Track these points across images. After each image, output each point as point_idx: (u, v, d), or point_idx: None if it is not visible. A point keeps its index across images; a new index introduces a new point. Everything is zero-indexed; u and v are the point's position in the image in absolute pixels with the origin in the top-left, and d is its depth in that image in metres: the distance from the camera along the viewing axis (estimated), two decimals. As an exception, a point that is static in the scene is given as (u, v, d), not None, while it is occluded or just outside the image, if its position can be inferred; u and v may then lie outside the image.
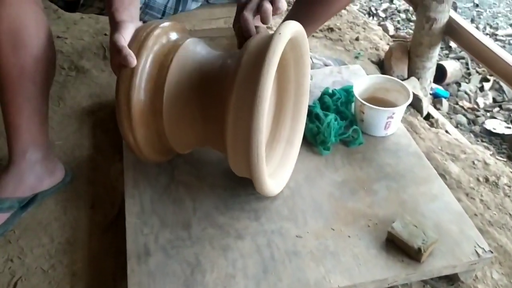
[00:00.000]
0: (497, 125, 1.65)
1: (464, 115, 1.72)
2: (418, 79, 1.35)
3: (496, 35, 2.30)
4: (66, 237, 0.85)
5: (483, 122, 1.68)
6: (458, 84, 1.90)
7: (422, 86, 1.33)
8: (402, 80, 1.34)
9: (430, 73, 1.35)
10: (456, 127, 1.65)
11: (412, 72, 1.35)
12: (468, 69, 2.00)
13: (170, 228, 0.80)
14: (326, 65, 1.25)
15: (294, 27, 0.74)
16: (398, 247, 0.76)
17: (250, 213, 0.83)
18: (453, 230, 0.80)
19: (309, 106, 1.01)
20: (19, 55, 0.78)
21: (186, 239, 0.79)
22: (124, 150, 0.95)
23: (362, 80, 1.02)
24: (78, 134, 1.07)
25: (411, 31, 2.32)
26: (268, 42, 0.69)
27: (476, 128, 1.67)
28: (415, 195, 0.86)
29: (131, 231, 0.79)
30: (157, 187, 0.88)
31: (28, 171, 0.85)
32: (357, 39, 1.49)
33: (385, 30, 2.17)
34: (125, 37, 0.71)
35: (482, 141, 1.61)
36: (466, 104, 1.79)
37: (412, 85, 1.31)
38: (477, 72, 1.98)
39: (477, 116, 1.73)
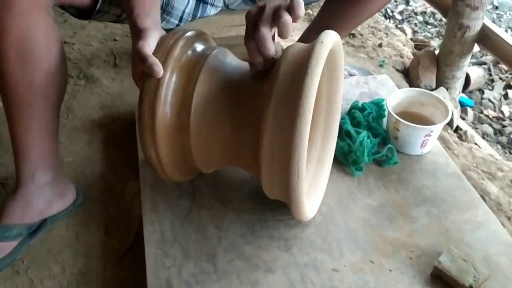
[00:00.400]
0: (525, 136, 1.59)
1: (490, 125, 1.66)
2: (447, 89, 1.28)
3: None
4: (78, 266, 0.79)
5: (510, 133, 1.62)
6: (481, 92, 1.83)
7: (452, 97, 1.26)
8: (430, 90, 1.28)
9: (460, 83, 1.29)
10: (483, 137, 1.59)
11: (441, 82, 1.29)
12: (490, 75, 1.93)
13: (194, 260, 0.74)
14: (351, 75, 1.19)
15: (334, 37, 0.69)
16: (445, 284, 0.70)
17: (279, 241, 0.77)
18: (504, 263, 0.74)
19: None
20: (28, 69, 0.71)
21: (211, 272, 0.72)
22: (140, 168, 0.89)
23: (395, 94, 0.95)
24: (88, 150, 1.01)
25: (429, 34, 2.26)
26: (309, 51, 0.63)
27: (503, 139, 1.60)
28: (459, 223, 0.80)
29: (152, 264, 0.73)
30: (178, 212, 0.81)
31: (37, 194, 0.79)
32: (380, 45, 1.43)
33: (403, 32, 2.11)
34: (150, 45, 0.66)
35: (510, 152, 1.54)
36: (491, 113, 1.72)
37: (442, 96, 1.24)
38: (500, 78, 1.91)
39: (504, 126, 1.66)
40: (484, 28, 1.19)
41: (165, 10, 0.95)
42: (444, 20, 2.42)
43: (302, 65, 0.63)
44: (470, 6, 1.14)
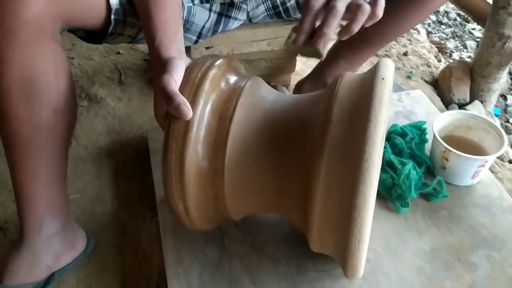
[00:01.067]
0: (556, 146, 1.51)
1: (518, 135, 1.59)
2: (482, 102, 1.20)
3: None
4: (94, 331, 0.70)
5: (540, 143, 1.55)
6: (504, 98, 1.76)
7: (487, 111, 1.18)
8: (465, 104, 1.19)
9: (496, 95, 1.20)
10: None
11: (475, 94, 1.21)
12: (512, 78, 1.86)
13: (230, 323, 0.65)
14: (381, 91, 1.10)
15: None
16: None
17: (325, 297, 0.68)
18: None
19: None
20: (34, 108, 0.62)
21: None
22: (159, 209, 0.80)
23: (441, 117, 0.87)
24: (97, 184, 0.91)
25: (444, 35, 2.18)
26: (368, 90, 0.55)
27: (533, 150, 1.53)
28: (525, 270, 0.72)
29: (182, 331, 0.64)
30: (206, 262, 0.73)
31: (44, 248, 0.70)
32: (405, 54, 1.34)
33: (426, 38, 2.02)
34: (176, 80, 0.57)
35: (541, 165, 1.47)
36: (517, 121, 1.65)
37: (477, 111, 1.16)
38: (523, 82, 1.84)
39: (532, 136, 1.60)
40: (527, 38, 1.11)
41: (184, 26, 0.85)
42: (458, 19, 2.35)
43: (361, 108, 0.53)
44: (513, 15, 1.06)
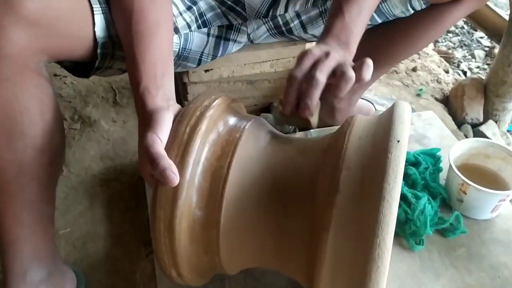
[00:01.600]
0: None
1: (532, 151, 1.54)
2: (496, 122, 1.15)
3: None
4: None
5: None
6: (515, 109, 1.71)
7: (502, 132, 1.13)
8: (478, 124, 1.15)
9: (510, 115, 1.15)
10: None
11: (489, 114, 1.16)
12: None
13: None
14: (390, 112, 1.06)
15: (409, 117, 0.53)
16: None
17: None
18: None
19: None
20: (17, 148, 0.57)
21: None
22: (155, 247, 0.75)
23: (457, 146, 0.82)
24: (89, 216, 0.86)
25: (451, 44, 2.14)
26: (382, 156, 0.47)
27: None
28: (552, 317, 0.67)
29: None
30: (205, 311, 0.67)
31: (30, 297, 0.65)
32: (414, 69, 1.29)
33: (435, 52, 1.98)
34: (161, 138, 0.51)
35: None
36: (530, 136, 1.60)
37: (492, 132, 1.12)
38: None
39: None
40: (544, 56, 1.06)
41: (181, 55, 0.80)
42: (466, 27, 2.30)
43: (373, 178, 0.47)
44: (531, 32, 1.01)
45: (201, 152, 0.53)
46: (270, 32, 0.86)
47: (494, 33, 1.13)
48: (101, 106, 1.09)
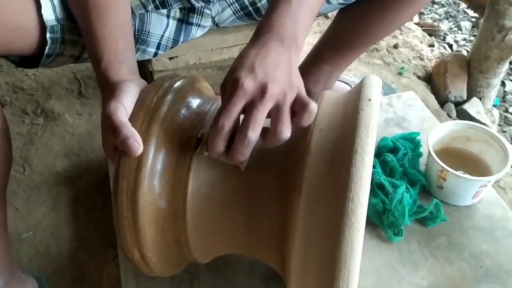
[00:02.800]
0: (559, 138, 1.44)
1: (518, 126, 1.51)
2: (480, 99, 1.12)
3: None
4: None
5: (542, 135, 1.48)
6: (502, 84, 1.68)
7: (487, 109, 1.11)
8: (462, 102, 1.12)
9: (495, 91, 1.12)
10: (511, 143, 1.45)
11: (473, 91, 1.13)
12: (510, 63, 1.78)
13: None
14: (369, 93, 1.02)
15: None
16: None
17: None
18: None
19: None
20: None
21: None
22: (120, 249, 0.72)
23: (437, 130, 0.79)
24: (53, 218, 0.83)
25: (436, 16, 2.09)
26: (353, 114, 0.47)
27: (536, 143, 1.46)
28: (535, 306, 0.65)
29: None
30: (173, 315, 0.65)
31: (-16, 311, 0.62)
32: (395, 46, 1.25)
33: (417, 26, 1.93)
34: (126, 107, 0.49)
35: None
36: (517, 111, 1.58)
37: (476, 110, 1.09)
38: (522, 66, 1.76)
39: (533, 127, 1.52)
40: (528, 29, 1.02)
41: (139, 38, 0.76)
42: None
43: (345, 136, 0.46)
44: (514, 5, 0.97)
45: (169, 122, 0.50)
46: (237, 15, 0.82)
47: (477, 5, 1.09)
48: (65, 98, 1.05)
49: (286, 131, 0.45)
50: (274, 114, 0.45)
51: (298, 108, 0.46)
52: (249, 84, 0.45)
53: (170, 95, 0.52)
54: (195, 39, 0.84)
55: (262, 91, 0.44)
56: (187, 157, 0.51)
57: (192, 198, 0.52)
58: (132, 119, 0.49)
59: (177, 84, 0.54)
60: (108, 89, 0.51)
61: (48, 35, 0.61)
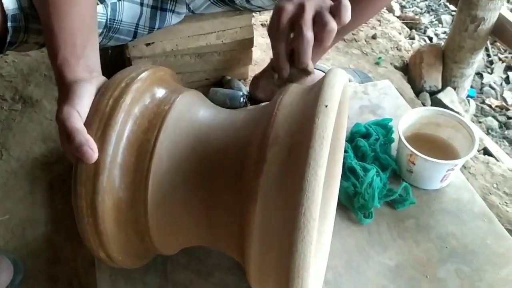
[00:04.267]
0: (533, 128, 1.47)
1: (494, 117, 1.54)
2: (454, 89, 1.14)
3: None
4: None
5: (517, 125, 1.50)
6: (480, 76, 1.71)
7: (461, 98, 1.13)
8: (437, 91, 1.13)
9: (469, 81, 1.14)
10: (487, 133, 1.48)
11: (447, 80, 1.15)
12: (489, 56, 1.81)
13: None
14: (346, 82, 1.03)
15: (341, 84, 0.51)
16: None
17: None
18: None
19: (338, 153, 0.81)
20: None
21: None
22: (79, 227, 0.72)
23: (407, 116, 0.80)
24: (29, 202, 0.83)
25: (418, 9, 2.11)
26: (309, 122, 0.46)
27: (510, 133, 1.49)
28: (496, 285, 0.67)
29: None
30: (145, 295, 0.66)
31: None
32: (374, 37, 1.27)
33: (390, 10, 1.95)
34: (80, 111, 0.48)
35: (518, 149, 1.43)
36: (494, 102, 1.60)
37: (450, 99, 1.11)
38: (499, 59, 1.79)
39: (509, 118, 1.55)
40: (501, 19, 1.04)
41: (111, 27, 0.76)
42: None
43: (300, 145, 0.45)
44: (487, -5, 0.99)
45: (124, 125, 0.50)
46: (211, 1, 0.82)
47: (453, -2, 1.11)
48: (43, 85, 1.05)
49: (332, 22, 0.53)
50: (317, 17, 0.53)
51: (334, 9, 0.53)
52: (289, 6, 0.54)
53: (126, 96, 0.50)
54: (171, 26, 0.84)
55: (301, 6, 0.53)
56: (145, 160, 0.51)
57: (152, 204, 0.52)
58: (87, 124, 0.48)
59: (135, 85, 0.52)
60: (62, 89, 0.50)
61: (9, 24, 0.60)
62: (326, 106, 0.46)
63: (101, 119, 0.49)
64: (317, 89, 0.50)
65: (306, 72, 0.58)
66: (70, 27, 0.53)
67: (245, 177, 0.49)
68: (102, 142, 0.48)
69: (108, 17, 0.75)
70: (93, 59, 0.55)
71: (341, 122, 0.68)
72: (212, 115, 0.57)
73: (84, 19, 0.55)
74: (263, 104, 0.58)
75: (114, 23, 0.76)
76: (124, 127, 0.50)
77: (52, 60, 0.53)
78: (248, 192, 0.47)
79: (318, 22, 0.53)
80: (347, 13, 0.53)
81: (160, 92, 0.55)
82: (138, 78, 0.52)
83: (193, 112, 0.56)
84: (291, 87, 0.55)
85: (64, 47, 0.52)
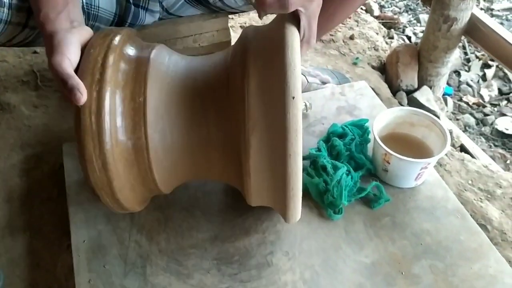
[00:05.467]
0: (509, 125, 1.51)
1: (471, 114, 1.57)
2: (430, 87, 1.16)
3: (492, 9, 2.14)
4: None
5: (493, 122, 1.53)
6: (458, 74, 1.74)
7: (437, 97, 1.15)
8: (413, 90, 1.16)
9: (444, 79, 1.17)
10: (465, 130, 1.50)
11: (423, 79, 1.17)
12: (466, 54, 1.84)
13: None
14: (323, 83, 1.05)
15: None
16: None
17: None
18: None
19: (313, 153, 0.82)
20: None
21: None
22: (73, 236, 0.72)
23: (381, 116, 0.82)
24: (7, 209, 0.83)
25: (397, 9, 2.14)
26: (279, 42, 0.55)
27: (487, 130, 1.52)
28: (469, 279, 0.69)
29: None
30: (124, 300, 0.66)
31: None
32: (351, 37, 1.28)
33: (369, 10, 1.97)
34: (70, 57, 0.53)
35: (495, 145, 1.46)
36: (471, 99, 1.63)
37: (426, 98, 1.13)
38: (476, 57, 1.82)
39: (486, 115, 1.58)
40: (473, 19, 1.06)
41: (90, 13, 0.77)
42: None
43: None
44: (459, -4, 1.01)
45: (118, 67, 0.57)
46: (186, 0, 0.83)
47: (426, -1, 1.13)
48: (21, 91, 1.04)
49: None
50: None
51: None
52: None
53: (115, 39, 0.57)
54: (147, 27, 0.85)
55: None
56: (141, 90, 0.58)
57: (151, 128, 0.58)
58: (80, 71, 0.53)
59: (119, 35, 0.59)
60: (46, 41, 0.54)
61: None
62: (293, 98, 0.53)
63: (94, 60, 0.54)
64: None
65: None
66: None
67: (233, 87, 0.57)
68: (100, 84, 0.54)
69: (85, 1, 0.75)
70: (75, 11, 0.58)
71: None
72: (183, 58, 0.65)
73: None
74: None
75: (92, 9, 0.76)
76: (116, 70, 0.56)
77: (36, 19, 0.57)
78: (238, 97, 0.56)
79: None
80: None
81: (136, 44, 0.63)
82: (119, 31, 0.60)
83: (169, 56, 0.64)
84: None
85: (46, 5, 0.55)
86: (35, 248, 0.78)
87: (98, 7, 0.77)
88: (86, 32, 0.56)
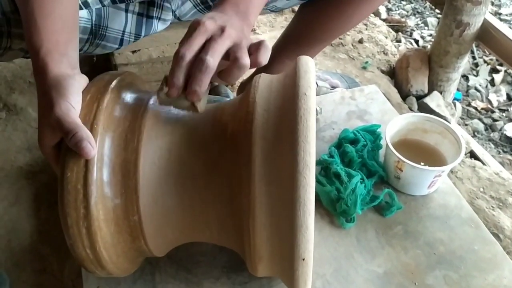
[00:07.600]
0: (518, 131, 1.49)
1: (480, 119, 1.55)
2: (441, 93, 1.15)
3: (500, 14, 2.13)
4: None
5: (502, 128, 1.52)
6: (466, 78, 1.72)
7: (447, 102, 1.13)
8: (423, 95, 1.14)
9: (455, 85, 1.15)
10: (473, 136, 1.49)
11: (433, 85, 1.16)
12: (474, 58, 1.82)
13: None
14: (333, 87, 1.04)
15: (312, 69, 0.53)
16: None
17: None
18: None
19: (325, 159, 0.81)
20: None
21: None
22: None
23: (394, 122, 0.81)
24: (14, 212, 0.82)
25: (404, 12, 2.12)
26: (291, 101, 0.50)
27: (496, 135, 1.50)
28: (484, 290, 0.68)
29: None
30: (133, 307, 0.65)
31: None
32: (360, 41, 1.27)
33: (376, 13, 1.96)
34: (75, 106, 0.49)
35: (504, 151, 1.45)
36: (480, 104, 1.62)
37: (436, 103, 1.11)
38: (485, 62, 1.81)
39: (495, 120, 1.56)
40: (486, 24, 1.05)
41: (97, 33, 0.75)
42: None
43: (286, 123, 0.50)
44: (472, 1, 0.99)
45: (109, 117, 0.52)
46: (197, 8, 0.82)
47: (438, 2, 1.11)
48: (28, 92, 1.03)
49: (246, 58, 0.49)
50: (233, 49, 0.49)
51: (253, 48, 0.50)
52: (209, 24, 0.50)
53: (106, 97, 0.52)
54: (158, 32, 0.84)
55: (222, 30, 0.49)
56: (134, 140, 0.52)
57: (144, 195, 0.53)
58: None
59: (114, 84, 0.54)
60: (48, 84, 0.49)
61: None
62: (306, 94, 0.49)
63: (89, 113, 0.50)
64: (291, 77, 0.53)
65: (194, 109, 0.52)
66: (54, 24, 0.53)
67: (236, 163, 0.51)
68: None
69: (93, 22, 0.74)
70: (74, 58, 0.55)
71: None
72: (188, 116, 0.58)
73: (67, 19, 0.55)
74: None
75: (100, 29, 0.75)
76: (108, 117, 0.52)
77: (33, 54, 0.51)
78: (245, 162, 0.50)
79: (232, 54, 0.49)
80: (264, 55, 0.50)
81: (134, 90, 0.58)
82: (114, 80, 0.55)
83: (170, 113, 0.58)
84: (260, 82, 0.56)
85: (47, 42, 0.51)
86: (42, 253, 0.77)
87: (107, 27, 0.76)
88: (84, 81, 0.53)
